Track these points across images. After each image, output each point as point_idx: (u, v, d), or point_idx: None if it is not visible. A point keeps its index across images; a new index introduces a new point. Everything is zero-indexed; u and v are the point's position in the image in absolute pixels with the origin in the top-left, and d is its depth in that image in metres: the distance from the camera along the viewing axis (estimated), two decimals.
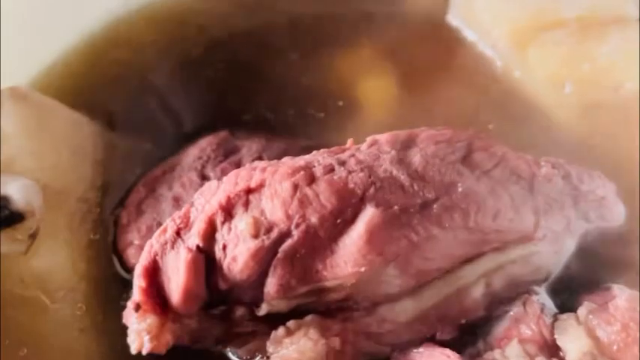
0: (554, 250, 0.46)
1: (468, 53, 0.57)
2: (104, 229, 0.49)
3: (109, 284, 0.47)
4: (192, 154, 0.50)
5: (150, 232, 0.46)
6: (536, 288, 0.44)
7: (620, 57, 0.53)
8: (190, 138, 0.53)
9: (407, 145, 0.43)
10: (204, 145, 0.50)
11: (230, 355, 0.44)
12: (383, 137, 0.43)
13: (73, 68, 0.55)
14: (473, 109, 0.54)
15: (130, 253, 0.46)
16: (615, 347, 0.41)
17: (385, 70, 0.57)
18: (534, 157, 0.46)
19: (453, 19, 0.58)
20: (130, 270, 0.46)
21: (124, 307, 0.44)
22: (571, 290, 0.46)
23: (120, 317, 0.45)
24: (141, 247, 0.46)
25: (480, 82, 0.55)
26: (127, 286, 0.46)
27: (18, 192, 0.47)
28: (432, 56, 0.58)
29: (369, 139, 0.44)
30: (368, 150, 0.42)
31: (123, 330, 0.45)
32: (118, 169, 0.52)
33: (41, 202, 0.47)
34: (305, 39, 0.59)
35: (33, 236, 0.47)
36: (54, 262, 0.47)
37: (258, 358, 0.42)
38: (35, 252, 0.47)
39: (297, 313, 0.41)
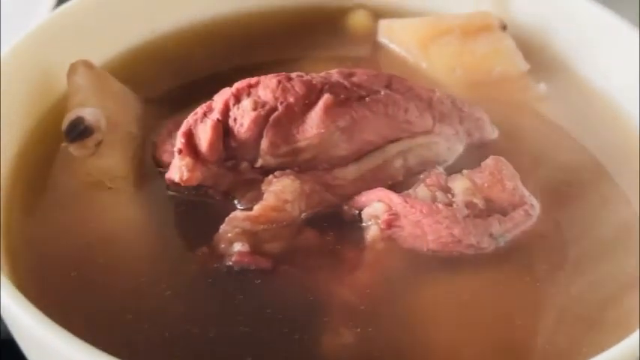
0: (447, 146, 0.69)
1: (393, 57, 0.83)
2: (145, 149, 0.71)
3: (149, 174, 0.68)
4: None
5: None
6: (437, 166, 0.67)
7: (489, 51, 0.80)
8: None
9: (349, 74, 0.67)
10: None
11: (237, 205, 0.64)
12: (334, 70, 0.67)
13: (129, 63, 0.79)
14: None
15: (165, 156, 0.67)
16: (486, 185, 0.63)
17: None
18: (431, 88, 0.70)
19: (382, 38, 0.84)
20: (165, 166, 0.67)
21: (162, 187, 0.66)
22: None
23: (158, 193, 0.66)
24: (173, 153, 0.67)
25: (402, 72, 0.80)
26: (163, 174, 0.67)
27: (89, 115, 0.68)
28: (374, 60, 0.84)
29: (323, 72, 0.68)
30: (325, 74, 0.66)
31: (160, 200, 0.66)
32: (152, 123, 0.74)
33: (105, 124, 0.68)
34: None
35: (98, 145, 0.68)
36: (112, 162, 0.67)
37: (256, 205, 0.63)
38: (99, 155, 0.67)
39: (281, 169, 0.63)
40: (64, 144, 0.68)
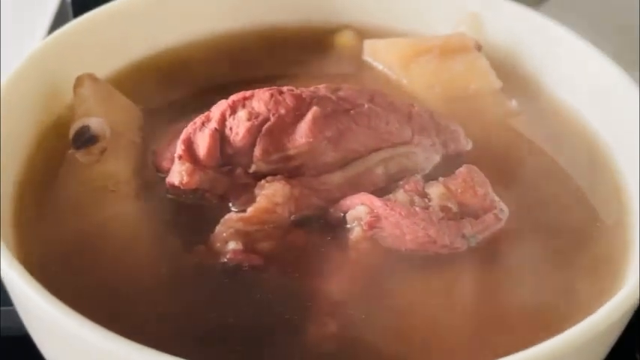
0: (425, 156, 0.74)
1: (377, 74, 0.89)
2: (146, 157, 0.76)
3: (150, 179, 0.73)
4: None
5: None
6: (415, 174, 0.73)
7: (465, 70, 0.86)
8: None
9: (335, 89, 0.73)
10: None
11: (231, 208, 0.70)
12: (321, 85, 0.73)
13: (130, 77, 0.85)
14: None
15: (165, 163, 0.73)
16: (459, 191, 0.69)
17: None
18: (411, 102, 0.76)
19: (366, 57, 0.91)
20: (165, 172, 0.73)
21: (162, 191, 0.71)
22: None
23: (158, 197, 0.72)
24: (172, 160, 0.73)
25: (384, 88, 0.85)
26: (163, 180, 0.73)
27: (94, 124, 0.74)
28: (359, 77, 0.90)
29: (312, 87, 0.73)
30: (313, 88, 0.72)
31: (160, 203, 0.71)
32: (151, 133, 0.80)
33: (109, 132, 0.74)
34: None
35: (102, 152, 0.73)
36: (115, 168, 0.72)
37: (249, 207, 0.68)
38: (103, 162, 0.72)
39: (272, 175, 0.69)
40: (70, 151, 0.73)
